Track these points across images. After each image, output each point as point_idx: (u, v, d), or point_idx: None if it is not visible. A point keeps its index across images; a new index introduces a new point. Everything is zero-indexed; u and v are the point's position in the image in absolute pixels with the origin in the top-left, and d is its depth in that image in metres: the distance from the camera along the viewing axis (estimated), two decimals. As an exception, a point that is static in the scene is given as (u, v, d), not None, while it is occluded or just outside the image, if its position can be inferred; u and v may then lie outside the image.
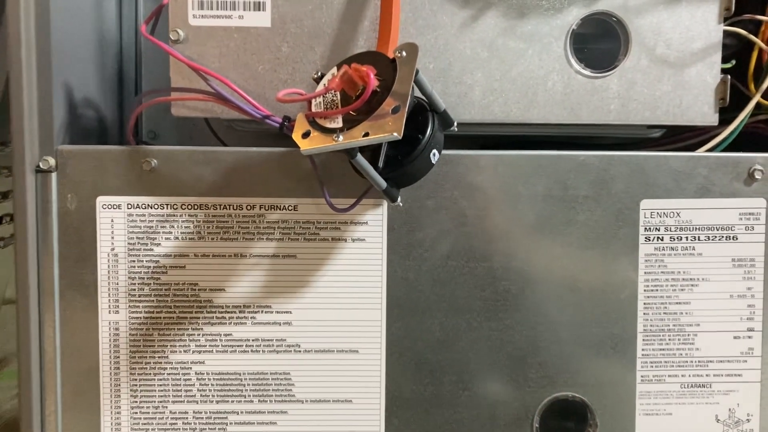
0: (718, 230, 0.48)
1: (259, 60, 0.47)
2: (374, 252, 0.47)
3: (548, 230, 0.47)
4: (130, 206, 0.46)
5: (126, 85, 0.62)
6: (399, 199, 0.43)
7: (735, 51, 0.49)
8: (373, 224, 0.47)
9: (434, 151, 0.42)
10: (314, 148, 0.39)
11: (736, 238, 0.47)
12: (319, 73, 0.42)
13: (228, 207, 0.47)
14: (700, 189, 0.47)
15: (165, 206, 0.46)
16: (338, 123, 0.39)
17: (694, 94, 0.48)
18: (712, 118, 0.48)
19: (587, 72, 0.47)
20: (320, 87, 0.41)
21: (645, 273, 0.48)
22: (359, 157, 0.40)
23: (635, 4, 0.47)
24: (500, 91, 0.47)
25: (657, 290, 0.48)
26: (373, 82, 0.38)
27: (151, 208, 0.46)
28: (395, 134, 0.37)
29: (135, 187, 0.46)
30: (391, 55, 0.41)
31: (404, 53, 0.39)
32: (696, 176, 0.47)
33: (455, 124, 0.44)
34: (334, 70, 0.41)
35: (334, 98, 0.40)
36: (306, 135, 0.40)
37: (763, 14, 0.48)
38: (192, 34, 0.46)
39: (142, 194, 0.46)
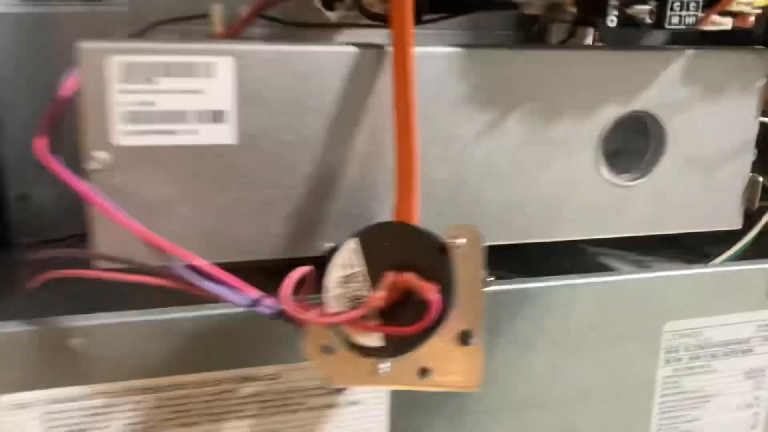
0: (735, 345, 0.44)
1: (222, 188, 0.34)
2: (374, 415, 0.38)
3: (548, 373, 0.41)
4: (47, 402, 0.33)
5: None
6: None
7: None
8: (374, 385, 0.38)
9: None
10: (349, 383, 0.29)
11: (752, 351, 0.44)
12: (330, 246, 0.31)
13: (185, 386, 0.35)
14: (720, 304, 0.43)
15: (98, 396, 0.34)
16: (377, 340, 0.29)
17: (722, 197, 0.42)
18: (737, 223, 0.43)
19: (618, 181, 0.40)
20: (331, 290, 0.30)
21: (661, 397, 0.43)
22: None
23: (673, 100, 0.39)
24: (520, 208, 0.39)
25: (671, 411, 0.44)
26: (438, 307, 0.28)
27: (79, 400, 0.33)
28: (473, 389, 0.28)
29: (54, 377, 0.33)
30: (413, 219, 0.31)
31: (462, 241, 0.29)
32: (717, 291, 0.42)
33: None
34: (353, 244, 0.30)
35: (364, 286, 0.30)
36: (328, 350, 0.29)
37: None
38: (120, 158, 0.32)
39: (64, 385, 0.33)
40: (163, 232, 0.33)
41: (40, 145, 0.31)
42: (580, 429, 0.42)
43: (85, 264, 0.32)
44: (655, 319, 0.41)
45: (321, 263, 0.31)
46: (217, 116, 0.33)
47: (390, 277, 0.28)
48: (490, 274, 0.30)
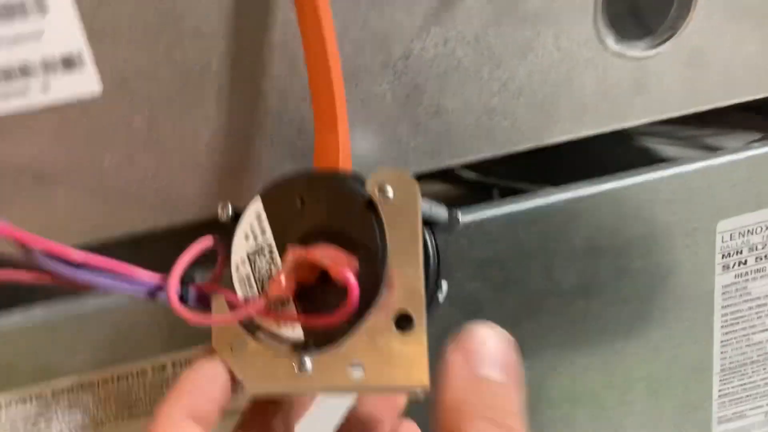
0: (819, 234, 0.34)
1: (104, 148, 0.27)
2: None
3: (595, 290, 0.33)
4: (-30, 418, 0.29)
5: None
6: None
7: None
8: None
9: (441, 286, 0.26)
10: (268, 388, 0.23)
11: (843, 238, 0.34)
12: (229, 210, 0.24)
13: (127, 378, 0.30)
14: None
15: (30, 400, 0.30)
16: (296, 332, 0.22)
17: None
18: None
19: (632, 52, 0.30)
20: (236, 270, 0.23)
21: (723, 308, 0.35)
22: None
23: (703, -74, 0.28)
24: (501, 111, 0.30)
25: (738, 323, 0.35)
26: (356, 292, 0.20)
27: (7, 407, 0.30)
28: (418, 389, 0.21)
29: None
30: (339, 159, 0.23)
31: (393, 193, 0.21)
32: (791, 172, 0.32)
33: (460, 220, 0.27)
34: (255, 206, 0.23)
35: (271, 267, 0.23)
36: (237, 346, 0.23)
37: None
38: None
39: (-18, 397, 0.29)
40: (47, 213, 0.27)
41: None
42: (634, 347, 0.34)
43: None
44: (703, 220, 0.32)
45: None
46: (67, 62, 0.25)
47: (293, 255, 0.21)
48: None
